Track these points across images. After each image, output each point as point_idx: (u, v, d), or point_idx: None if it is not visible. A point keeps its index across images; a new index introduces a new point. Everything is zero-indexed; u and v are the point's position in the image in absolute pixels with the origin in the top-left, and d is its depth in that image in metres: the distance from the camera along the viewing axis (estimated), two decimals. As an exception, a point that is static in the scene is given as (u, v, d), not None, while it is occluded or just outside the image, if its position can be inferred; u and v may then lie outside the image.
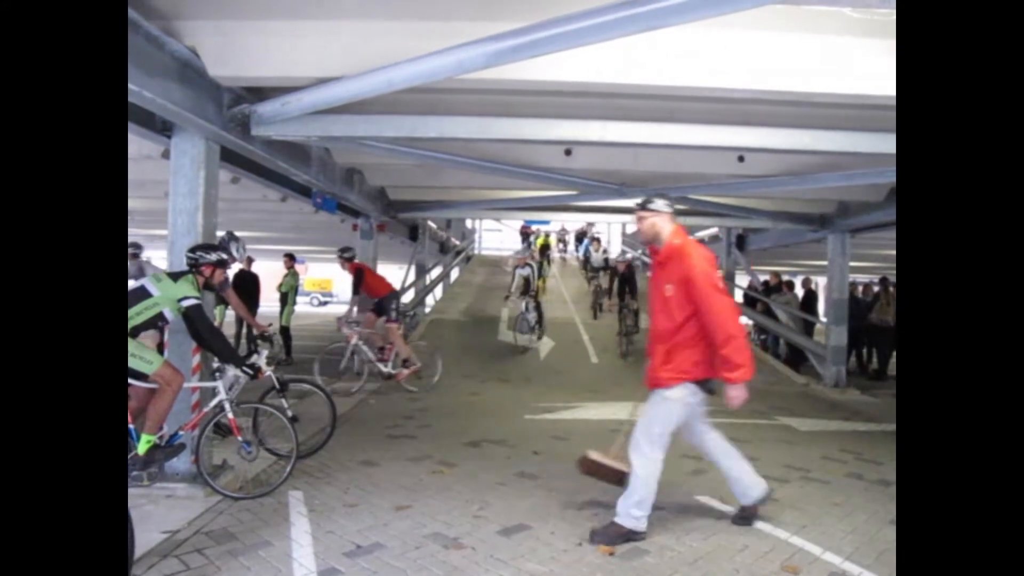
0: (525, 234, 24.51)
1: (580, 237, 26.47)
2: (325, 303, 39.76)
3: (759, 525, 4.25)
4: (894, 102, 4.48)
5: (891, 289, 12.43)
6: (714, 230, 17.50)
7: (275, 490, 4.65)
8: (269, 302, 12.09)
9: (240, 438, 4.70)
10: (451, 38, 3.77)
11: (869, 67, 4.22)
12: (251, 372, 4.72)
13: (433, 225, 18.09)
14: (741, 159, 7.43)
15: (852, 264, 12.25)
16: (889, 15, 3.41)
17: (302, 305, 25.81)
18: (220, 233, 5.27)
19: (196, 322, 4.47)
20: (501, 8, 3.87)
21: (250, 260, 11.83)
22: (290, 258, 12.17)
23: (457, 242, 22.24)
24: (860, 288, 12.58)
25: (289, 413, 5.03)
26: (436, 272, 18.40)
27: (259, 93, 5.19)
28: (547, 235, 24.16)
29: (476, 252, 26.12)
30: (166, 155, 5.13)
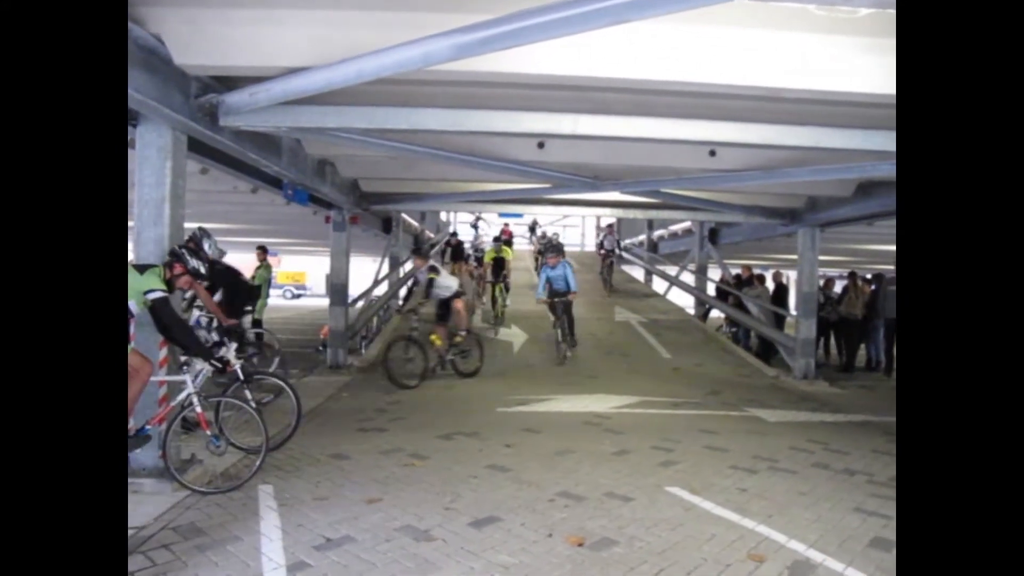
0: (455, 246, 18.52)
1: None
2: (298, 296, 39.42)
3: (728, 515, 4.30)
4: (860, 98, 4.59)
5: (859, 283, 12.64)
6: (687, 224, 17.66)
7: (244, 484, 4.62)
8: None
9: (208, 432, 4.66)
10: (420, 29, 3.74)
11: (835, 64, 4.28)
12: (220, 365, 4.68)
13: (407, 218, 18.00)
14: (712, 153, 7.49)
15: (821, 258, 12.42)
16: (852, 13, 3.46)
17: (275, 298, 25.59)
18: (188, 225, 5.20)
19: (162, 315, 4.42)
20: (471, 0, 3.85)
21: (221, 253, 11.66)
22: (262, 250, 12.02)
23: (432, 235, 22.13)
24: (822, 282, 12.86)
25: (253, 405, 4.98)
26: (410, 265, 18.30)
27: (227, 82, 5.12)
28: (502, 246, 15.98)
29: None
30: (131, 145, 5.05)
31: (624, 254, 21.67)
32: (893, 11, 3.76)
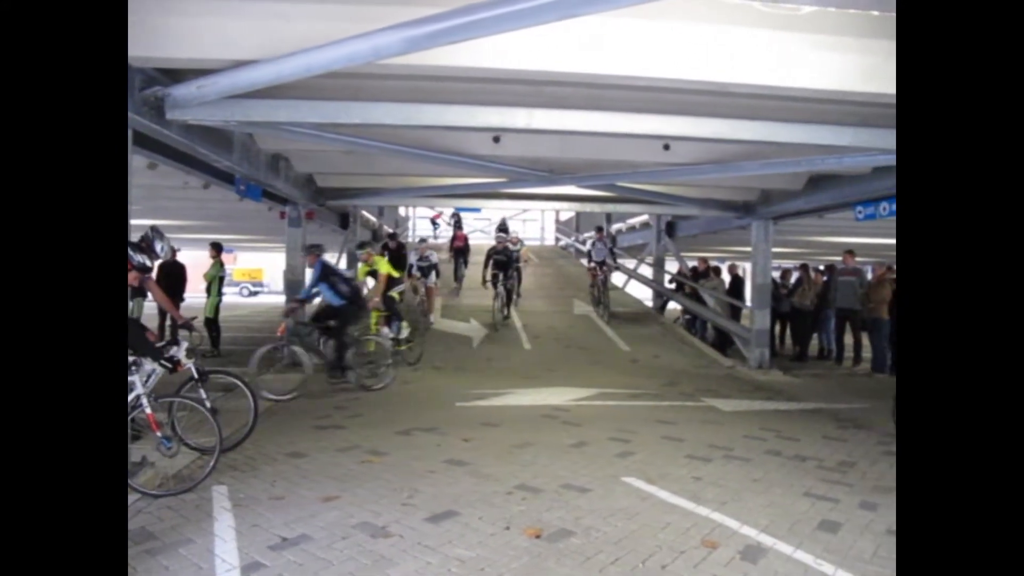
0: (393, 250, 14.35)
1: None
2: (255, 293, 38.80)
3: (683, 503, 4.37)
4: (806, 94, 4.70)
5: (812, 275, 12.96)
6: (645, 217, 17.84)
7: (198, 485, 4.53)
8: (197, 293, 11.74)
9: (159, 434, 4.56)
10: (371, 22, 3.73)
11: (781, 60, 4.38)
12: (169, 365, 4.58)
13: (365, 213, 17.84)
14: (667, 147, 7.59)
15: (776, 250, 12.68)
16: (795, 11, 3.54)
17: (231, 296, 25.12)
18: (139, 222, 5.08)
19: (108, 314, 4.30)
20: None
21: (173, 251, 11.44)
22: (215, 248, 11.81)
23: (390, 230, 21.95)
24: (778, 274, 13.19)
25: (208, 404, 4.89)
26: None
27: (174, 75, 5.01)
28: (375, 257, 10.21)
29: (409, 239, 25.83)
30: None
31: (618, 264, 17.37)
32: (835, 10, 3.88)
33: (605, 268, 14.28)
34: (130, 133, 4.96)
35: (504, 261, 13.07)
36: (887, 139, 5.72)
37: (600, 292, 14.31)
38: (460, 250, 17.04)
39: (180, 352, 4.80)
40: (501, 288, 12.99)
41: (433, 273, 12.43)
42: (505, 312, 13.27)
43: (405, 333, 10.01)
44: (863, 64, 4.49)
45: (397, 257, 13.78)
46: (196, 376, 5.08)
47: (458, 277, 16.71)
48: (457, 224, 21.50)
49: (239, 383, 5.73)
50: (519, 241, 16.16)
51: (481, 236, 25.33)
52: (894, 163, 6.43)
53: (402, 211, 24.86)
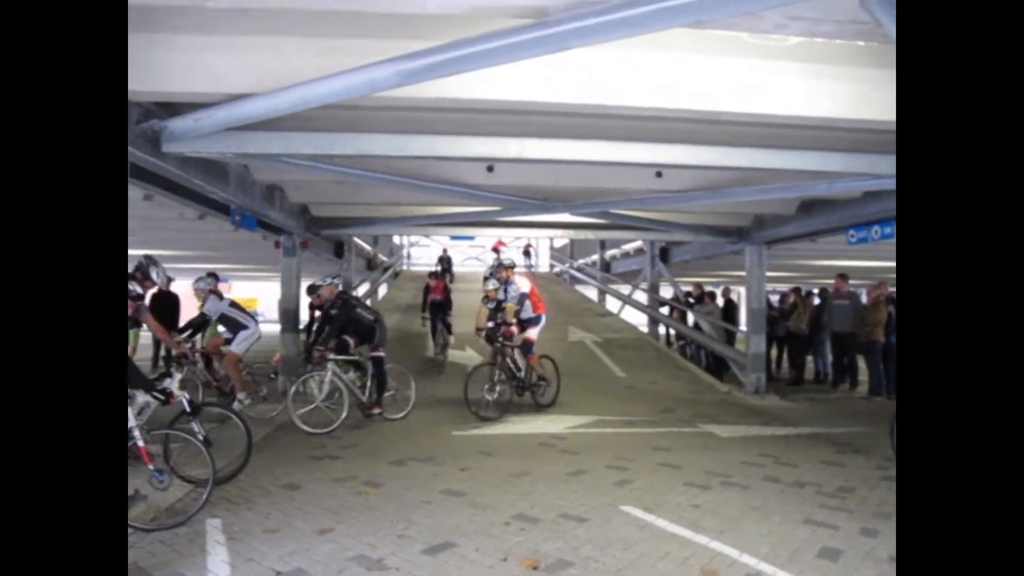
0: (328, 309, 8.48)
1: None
2: (250, 323, 38.56)
3: (681, 531, 4.33)
4: (795, 121, 4.76)
5: (806, 299, 13.00)
6: (638, 243, 17.91)
7: (191, 519, 4.47)
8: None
9: (151, 466, 4.51)
10: (365, 56, 3.77)
11: (772, 88, 4.44)
12: (162, 397, 4.55)
13: (360, 241, 17.88)
14: (659, 175, 7.66)
15: (770, 274, 12.71)
16: (782, 41, 3.60)
17: (225, 325, 24.96)
18: (133, 252, 5.08)
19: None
20: (415, 27, 3.89)
21: (168, 280, 11.42)
22: (212, 277, 11.78)
23: (384, 258, 21.98)
24: (776, 297, 13.24)
25: (201, 436, 4.85)
26: (363, 289, 18.16)
27: (170, 108, 5.05)
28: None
29: (404, 268, 25.87)
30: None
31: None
32: (821, 40, 3.95)
33: (522, 330, 8.72)
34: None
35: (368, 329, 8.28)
36: (877, 164, 5.79)
37: (511, 372, 8.64)
38: (438, 305, 12.23)
39: (173, 384, 4.77)
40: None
41: (244, 334, 8.23)
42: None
43: None
44: (852, 92, 4.56)
45: (328, 317, 8.37)
46: (188, 409, 5.04)
47: (438, 344, 12.31)
48: (444, 270, 16.06)
49: (232, 415, 5.70)
50: (500, 289, 8.89)
51: (476, 266, 25.02)
52: (885, 187, 6.50)
53: (396, 239, 24.84)
